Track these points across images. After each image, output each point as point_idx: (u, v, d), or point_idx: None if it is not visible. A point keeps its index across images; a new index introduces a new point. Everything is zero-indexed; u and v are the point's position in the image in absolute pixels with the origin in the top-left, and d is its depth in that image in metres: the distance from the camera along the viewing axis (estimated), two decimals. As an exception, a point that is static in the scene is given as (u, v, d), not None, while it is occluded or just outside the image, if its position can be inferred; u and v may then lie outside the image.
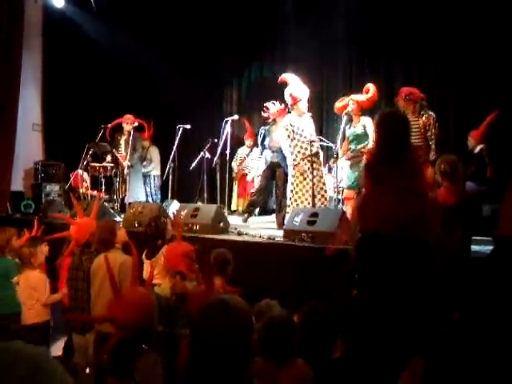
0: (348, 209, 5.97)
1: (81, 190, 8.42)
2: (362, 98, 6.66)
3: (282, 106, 7.06)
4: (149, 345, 2.44)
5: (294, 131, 6.54)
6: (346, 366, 2.65)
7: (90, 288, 3.59)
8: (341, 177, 6.90)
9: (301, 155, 6.51)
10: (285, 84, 6.84)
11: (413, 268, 2.96)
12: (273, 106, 7.16)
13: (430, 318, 3.03)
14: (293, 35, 9.50)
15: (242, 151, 9.34)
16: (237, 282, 3.49)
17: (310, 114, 6.86)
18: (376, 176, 3.13)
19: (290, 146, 6.58)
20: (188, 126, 8.01)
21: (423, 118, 6.07)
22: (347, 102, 6.67)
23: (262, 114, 7.34)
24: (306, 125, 6.64)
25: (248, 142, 9.26)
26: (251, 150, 9.16)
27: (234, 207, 9.04)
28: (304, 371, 2.55)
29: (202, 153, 7.97)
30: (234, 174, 9.15)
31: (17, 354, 0.76)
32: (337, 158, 6.55)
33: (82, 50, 10.00)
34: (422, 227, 3.02)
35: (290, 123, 6.58)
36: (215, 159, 7.74)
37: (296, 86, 6.72)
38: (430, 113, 6.14)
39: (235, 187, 9.22)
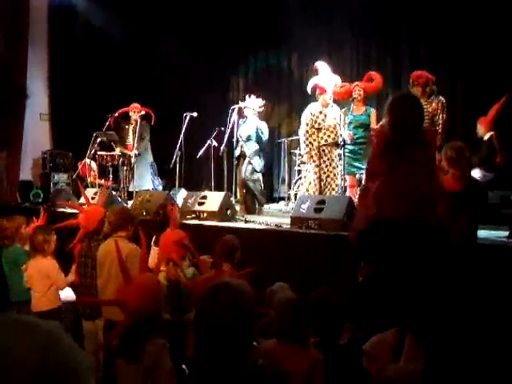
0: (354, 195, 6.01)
1: (88, 179, 8.48)
2: (368, 84, 6.68)
3: (260, 99, 7.51)
4: (157, 330, 2.49)
5: (312, 119, 6.73)
6: (353, 352, 2.69)
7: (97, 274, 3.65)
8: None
9: (313, 144, 6.70)
10: (316, 72, 7.05)
11: (429, 252, 2.97)
12: (249, 100, 7.53)
13: (440, 299, 3.05)
14: (299, 23, 9.46)
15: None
16: (244, 269, 3.53)
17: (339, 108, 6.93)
18: (390, 161, 3.13)
19: (304, 135, 6.81)
20: (195, 114, 8.02)
21: (433, 103, 6.02)
22: (352, 88, 6.70)
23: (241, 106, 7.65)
24: (329, 116, 6.74)
25: None
26: None
27: (239, 196, 9.04)
28: (316, 354, 2.60)
29: (208, 141, 7.98)
30: (235, 162, 9.04)
31: (32, 326, 0.76)
32: (343, 145, 6.57)
33: (88, 40, 10.02)
34: (434, 212, 3.04)
35: (311, 112, 6.78)
36: (222, 147, 7.77)
37: (323, 77, 6.90)
38: (440, 98, 6.09)
39: (239, 175, 9.16)
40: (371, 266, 3.30)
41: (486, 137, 6.35)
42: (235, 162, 7.77)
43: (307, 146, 6.79)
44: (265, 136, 7.56)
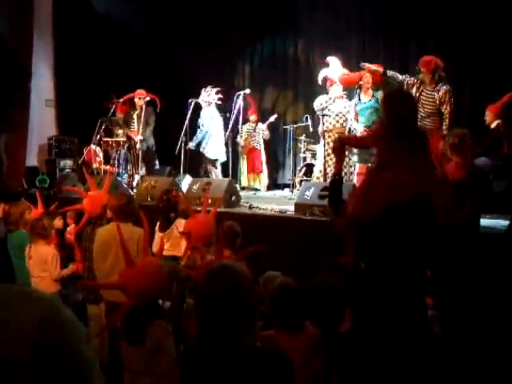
0: None
1: (94, 165, 8.52)
2: (376, 76, 6.70)
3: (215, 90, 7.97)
4: (161, 314, 2.53)
5: (322, 109, 7.02)
6: (355, 339, 2.72)
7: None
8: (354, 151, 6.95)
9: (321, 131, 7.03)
10: (326, 65, 7.29)
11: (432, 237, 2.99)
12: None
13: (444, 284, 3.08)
14: (306, 10, 9.41)
15: (247, 126, 9.28)
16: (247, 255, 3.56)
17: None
18: (387, 156, 3.14)
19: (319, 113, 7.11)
20: (200, 100, 8.03)
21: (440, 91, 5.93)
22: (361, 73, 6.71)
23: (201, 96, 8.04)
24: (336, 107, 7.02)
25: (252, 117, 9.23)
26: (256, 125, 9.15)
27: (244, 183, 9.07)
28: (313, 335, 2.63)
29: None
30: (240, 149, 9.10)
31: (32, 297, 0.74)
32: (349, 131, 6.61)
33: (94, 25, 9.99)
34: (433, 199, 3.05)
35: (321, 102, 7.08)
36: (227, 133, 7.80)
37: (333, 70, 7.16)
38: (446, 87, 5.93)
39: (243, 162, 9.20)
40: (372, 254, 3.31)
41: (494, 125, 6.29)
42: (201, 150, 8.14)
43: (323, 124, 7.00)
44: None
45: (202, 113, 8.06)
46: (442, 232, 3.07)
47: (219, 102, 8.07)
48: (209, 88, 8.02)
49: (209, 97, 7.97)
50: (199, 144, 8.05)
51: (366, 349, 2.58)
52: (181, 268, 3.37)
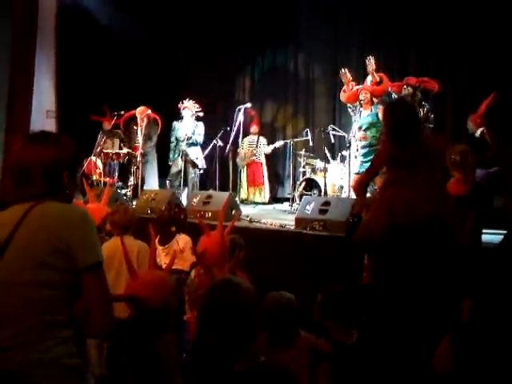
0: None
1: (94, 177, 8.53)
2: (374, 87, 6.75)
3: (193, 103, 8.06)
4: (167, 328, 2.51)
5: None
6: (361, 352, 2.71)
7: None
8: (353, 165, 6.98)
9: None
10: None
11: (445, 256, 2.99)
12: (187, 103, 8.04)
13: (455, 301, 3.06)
14: (306, 23, 9.49)
15: (248, 139, 9.26)
16: (248, 269, 3.55)
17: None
18: (395, 170, 3.15)
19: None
20: (201, 114, 8.06)
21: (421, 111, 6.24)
22: (358, 92, 6.78)
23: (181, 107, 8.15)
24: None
25: (253, 128, 9.22)
26: (258, 137, 9.15)
27: (243, 196, 9.04)
28: (307, 345, 2.61)
29: (214, 140, 8.04)
30: (239, 161, 9.04)
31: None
32: (349, 147, 6.66)
33: (96, 38, 10.05)
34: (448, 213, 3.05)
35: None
36: (228, 147, 7.83)
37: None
38: (424, 104, 6.42)
39: (243, 175, 9.18)
40: (385, 270, 3.28)
41: (478, 133, 6.37)
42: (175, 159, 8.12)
43: None
44: (201, 135, 8.04)
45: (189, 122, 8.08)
46: (459, 255, 3.05)
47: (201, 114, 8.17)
48: (190, 101, 8.14)
49: (194, 108, 8.09)
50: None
51: (372, 363, 2.57)
52: (190, 281, 3.31)
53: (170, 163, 8.17)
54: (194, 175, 8.03)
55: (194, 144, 7.99)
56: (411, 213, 3.04)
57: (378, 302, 3.16)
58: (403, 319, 2.96)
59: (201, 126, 8.06)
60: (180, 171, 7.91)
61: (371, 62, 6.78)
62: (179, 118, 8.21)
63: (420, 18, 8.31)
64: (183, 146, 7.90)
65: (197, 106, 8.13)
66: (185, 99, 8.21)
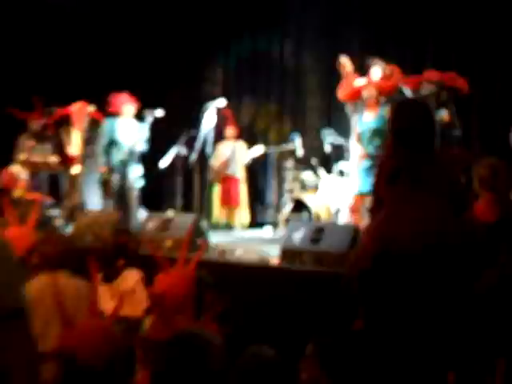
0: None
1: (15, 192, 8.41)
2: (385, 82, 6.80)
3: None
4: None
5: None
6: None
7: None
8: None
9: None
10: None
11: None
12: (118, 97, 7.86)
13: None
14: (295, 4, 9.60)
15: (223, 146, 9.26)
16: (218, 317, 3.53)
17: None
18: (394, 184, 3.18)
19: None
20: (159, 114, 8.03)
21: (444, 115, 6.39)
22: (363, 87, 6.80)
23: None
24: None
25: (229, 132, 9.19)
26: (235, 143, 9.14)
27: (214, 219, 9.03)
28: None
29: (175, 148, 8.02)
30: (211, 175, 8.97)
31: None
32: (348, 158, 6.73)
33: (23, 7, 10.00)
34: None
35: None
36: (192, 156, 7.80)
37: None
38: (450, 107, 6.57)
39: (215, 193, 9.17)
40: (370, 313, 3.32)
41: None
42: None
43: None
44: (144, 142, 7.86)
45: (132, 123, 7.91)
46: (465, 288, 3.09)
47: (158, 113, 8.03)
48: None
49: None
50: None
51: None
52: (143, 332, 3.28)
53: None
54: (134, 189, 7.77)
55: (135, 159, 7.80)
56: (410, 237, 3.07)
57: (368, 355, 3.19)
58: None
59: (145, 128, 7.80)
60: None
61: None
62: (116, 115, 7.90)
63: (421, 10, 8.54)
64: (122, 155, 7.66)
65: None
66: (132, 92, 8.08)
